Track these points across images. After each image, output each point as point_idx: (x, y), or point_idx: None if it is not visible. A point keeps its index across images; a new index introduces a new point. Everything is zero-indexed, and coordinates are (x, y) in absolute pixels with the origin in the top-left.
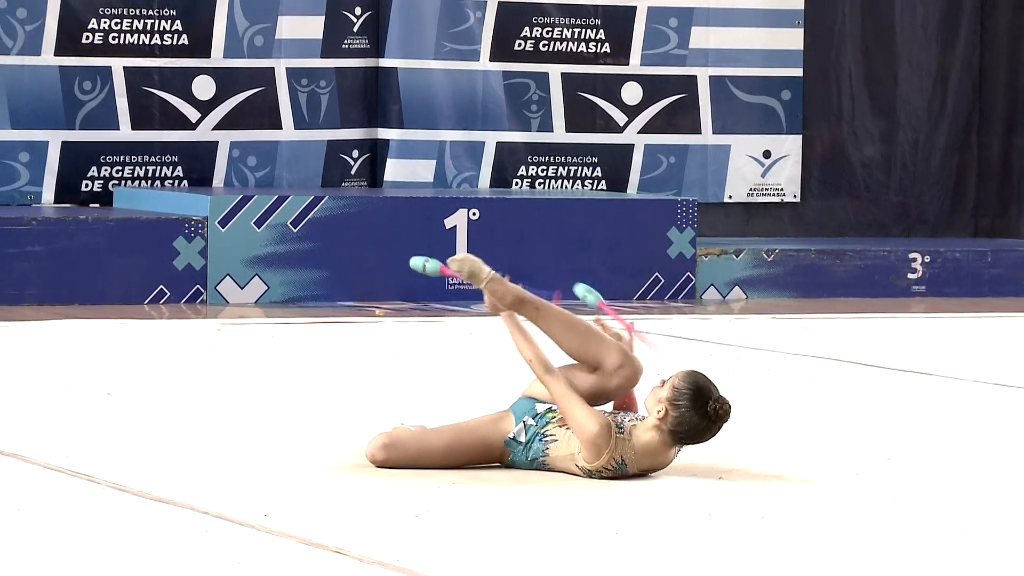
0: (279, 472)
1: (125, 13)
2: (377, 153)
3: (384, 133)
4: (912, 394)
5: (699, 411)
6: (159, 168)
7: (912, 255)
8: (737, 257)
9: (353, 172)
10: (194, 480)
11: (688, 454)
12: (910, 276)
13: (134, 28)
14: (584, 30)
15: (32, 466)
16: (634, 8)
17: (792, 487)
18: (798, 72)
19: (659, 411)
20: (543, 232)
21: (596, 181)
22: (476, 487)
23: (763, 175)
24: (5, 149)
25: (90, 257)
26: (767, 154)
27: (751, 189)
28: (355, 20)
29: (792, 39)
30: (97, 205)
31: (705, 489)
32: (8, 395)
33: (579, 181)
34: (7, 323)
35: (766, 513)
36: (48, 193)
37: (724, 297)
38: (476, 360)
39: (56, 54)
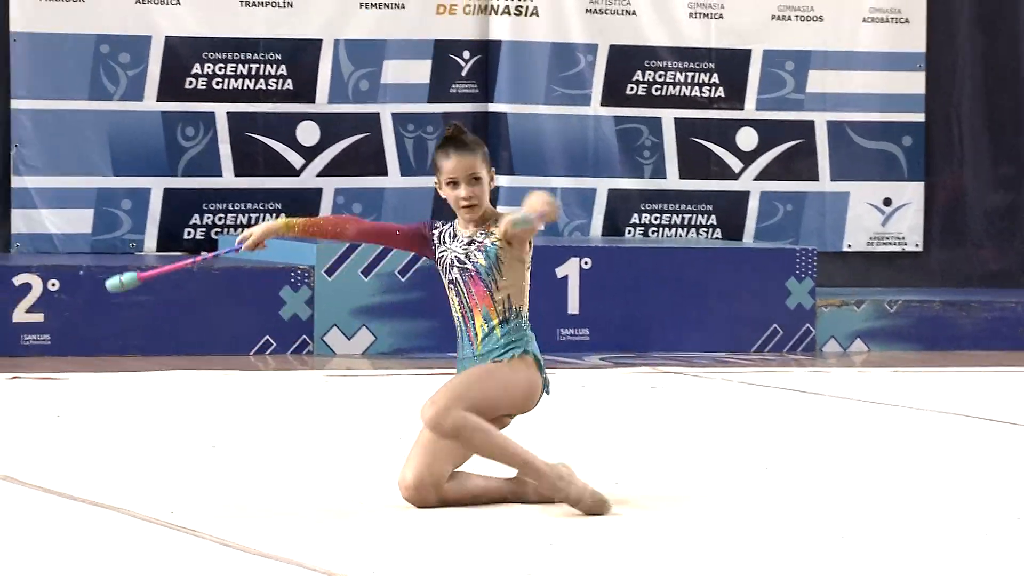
0: (387, 527)
1: (229, 58)
2: None
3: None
4: None
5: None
6: (263, 215)
7: None
8: (858, 308)
9: None
10: (300, 535)
11: (803, 512)
12: None
13: (238, 73)
14: (698, 74)
15: (137, 520)
16: (749, 51)
17: (916, 547)
18: (919, 117)
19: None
20: (657, 282)
21: (711, 229)
22: (587, 544)
23: (884, 223)
24: (107, 196)
25: (195, 307)
26: (888, 202)
27: (871, 238)
28: (463, 64)
29: (913, 83)
30: (206, 254)
31: (827, 548)
32: (113, 447)
33: (693, 229)
34: (112, 374)
35: None
36: (151, 241)
37: (845, 349)
38: (587, 412)
39: (159, 100)
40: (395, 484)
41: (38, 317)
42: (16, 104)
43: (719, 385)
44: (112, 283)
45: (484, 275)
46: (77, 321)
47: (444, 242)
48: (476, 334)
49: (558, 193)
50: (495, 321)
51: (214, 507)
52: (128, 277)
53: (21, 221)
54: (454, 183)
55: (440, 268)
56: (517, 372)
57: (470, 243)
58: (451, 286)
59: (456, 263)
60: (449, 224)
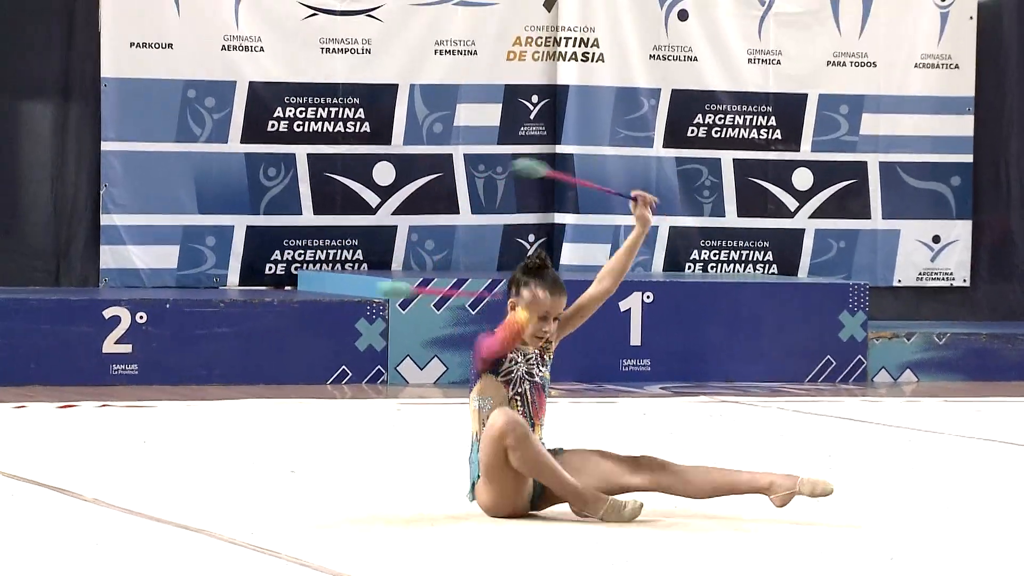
0: (460, 547)
1: (310, 102)
2: (553, 237)
3: (560, 218)
4: None
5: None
6: (340, 252)
7: None
8: (908, 341)
9: (529, 255)
10: (374, 555)
11: (853, 533)
12: None
13: (318, 116)
14: (756, 117)
15: (218, 541)
16: (805, 96)
17: (963, 570)
18: (968, 158)
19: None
20: (715, 315)
21: (767, 265)
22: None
23: (933, 260)
24: (193, 233)
25: (275, 338)
26: (936, 239)
27: (920, 273)
28: (532, 108)
29: (962, 126)
30: (289, 288)
31: (877, 569)
32: (196, 472)
33: (750, 265)
34: (196, 402)
35: None
36: (233, 276)
37: (895, 380)
38: (649, 440)
39: (243, 142)
40: (466, 505)
41: (126, 348)
42: (106, 146)
43: (774, 413)
44: (385, 286)
45: (546, 389)
46: (163, 352)
47: (515, 359)
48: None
49: (621, 231)
50: (542, 432)
51: (293, 529)
52: (404, 286)
53: (110, 257)
54: (545, 319)
55: (506, 381)
56: None
57: (529, 359)
58: (517, 398)
59: (527, 377)
60: None
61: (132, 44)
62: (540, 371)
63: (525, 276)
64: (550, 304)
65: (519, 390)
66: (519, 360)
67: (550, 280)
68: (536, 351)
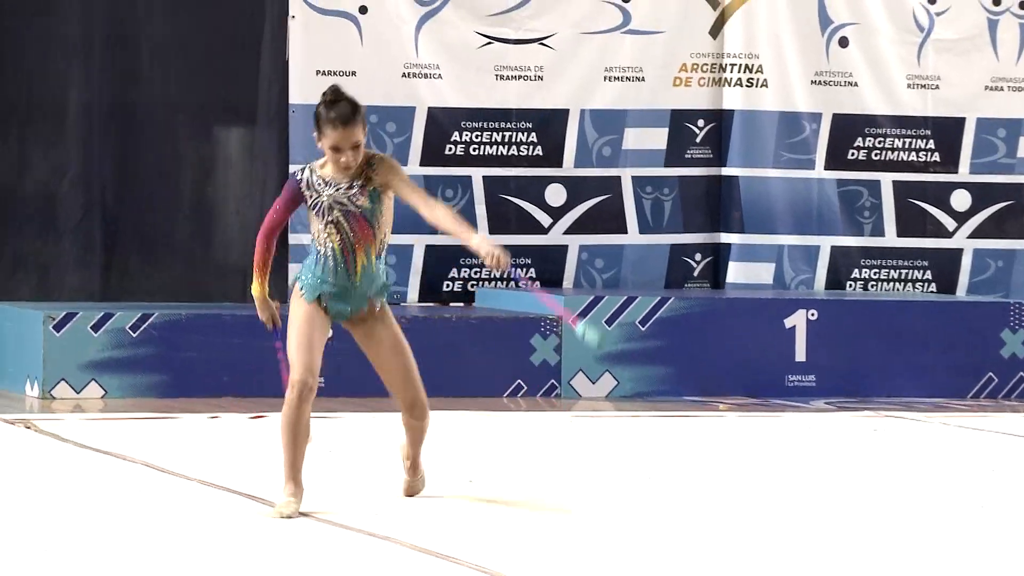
0: (634, 554)
1: (485, 127)
2: (719, 256)
3: (726, 237)
4: None
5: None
6: (515, 270)
7: None
8: None
9: (696, 274)
10: (549, 560)
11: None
12: None
13: (493, 140)
14: (915, 140)
15: (400, 547)
16: (963, 119)
17: None
18: None
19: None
20: (878, 333)
21: (926, 284)
22: None
23: None
24: None
25: (454, 353)
26: None
27: None
28: (698, 132)
29: None
30: (461, 304)
31: None
32: (380, 480)
33: (910, 283)
34: (379, 413)
35: None
36: (413, 293)
37: None
38: (813, 453)
39: (421, 164)
40: (636, 513)
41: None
42: (293, 169)
43: (937, 429)
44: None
45: (369, 216)
46: (347, 365)
47: (315, 189)
48: (356, 268)
49: (785, 250)
50: (374, 257)
51: (471, 536)
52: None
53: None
54: (336, 149)
55: (315, 212)
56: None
57: (350, 188)
58: (330, 226)
59: (337, 205)
60: (310, 171)
61: (318, 72)
62: (358, 199)
63: (322, 110)
64: (338, 138)
65: (329, 219)
66: (324, 192)
67: (339, 115)
68: (357, 183)
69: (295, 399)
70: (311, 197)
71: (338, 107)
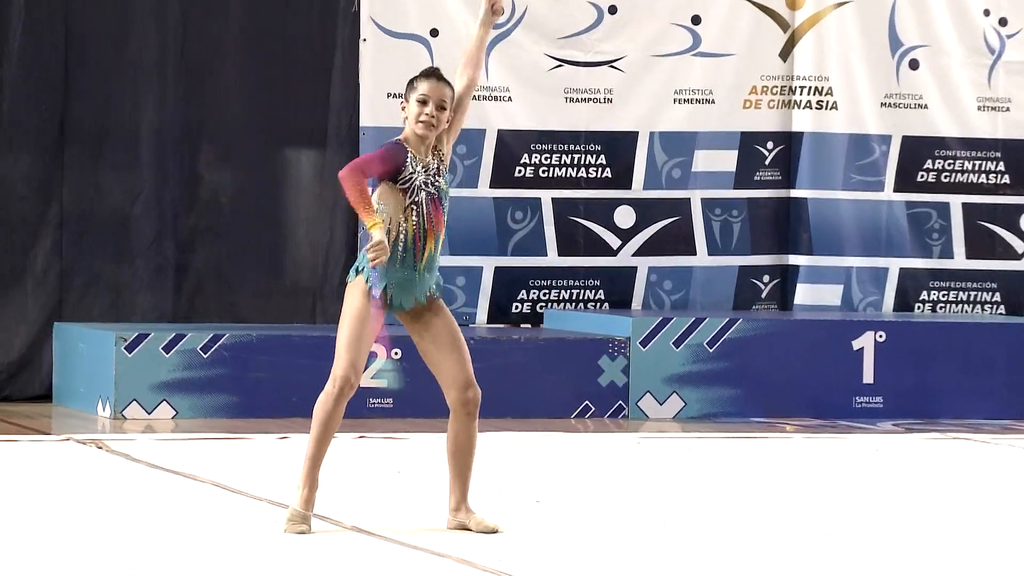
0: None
1: (555, 149)
2: (787, 278)
3: (794, 259)
4: None
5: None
6: (583, 291)
7: None
8: None
9: (764, 296)
10: None
11: None
12: None
13: (562, 162)
14: (985, 162)
15: (467, 567)
16: None
17: None
18: None
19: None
20: (946, 354)
21: (995, 306)
22: None
23: None
24: (445, 273)
25: (522, 374)
26: None
27: None
28: (767, 154)
29: None
30: (529, 325)
31: None
32: (444, 502)
33: (978, 305)
34: (440, 434)
35: None
36: (482, 314)
37: None
38: (881, 474)
39: (491, 186)
40: (700, 536)
41: (382, 383)
42: None
43: (1005, 451)
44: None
45: (443, 198)
46: (416, 386)
47: (411, 166)
48: (423, 255)
49: (853, 272)
50: (439, 245)
51: (537, 557)
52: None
53: None
54: (423, 102)
55: (403, 188)
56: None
57: (428, 170)
58: (411, 208)
59: (424, 187)
60: (404, 148)
61: (389, 95)
62: (437, 181)
63: (417, 74)
64: (428, 88)
65: (416, 199)
66: (418, 169)
67: (434, 71)
68: (435, 163)
69: (335, 393)
70: (407, 172)
71: (434, 69)
